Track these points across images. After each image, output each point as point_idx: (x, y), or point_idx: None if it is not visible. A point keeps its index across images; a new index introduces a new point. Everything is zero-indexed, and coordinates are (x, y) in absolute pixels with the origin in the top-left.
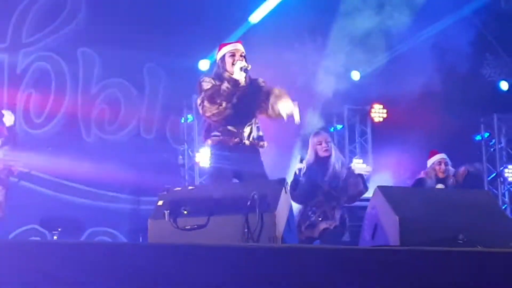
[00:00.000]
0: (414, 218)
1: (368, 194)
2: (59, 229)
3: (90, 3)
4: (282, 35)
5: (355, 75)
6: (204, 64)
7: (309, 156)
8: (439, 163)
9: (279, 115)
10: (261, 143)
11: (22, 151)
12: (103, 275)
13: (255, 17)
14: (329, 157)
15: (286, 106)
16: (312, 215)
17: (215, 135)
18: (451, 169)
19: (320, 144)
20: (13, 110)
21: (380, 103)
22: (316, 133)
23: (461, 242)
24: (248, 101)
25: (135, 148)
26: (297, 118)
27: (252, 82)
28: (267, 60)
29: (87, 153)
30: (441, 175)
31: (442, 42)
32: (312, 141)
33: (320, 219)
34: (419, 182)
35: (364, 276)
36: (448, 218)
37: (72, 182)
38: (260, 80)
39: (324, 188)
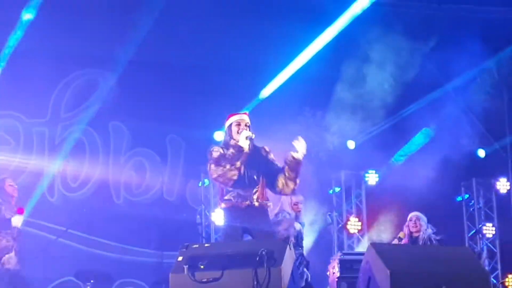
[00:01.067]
0: (404, 272)
1: (363, 249)
2: (92, 281)
3: (119, 82)
4: (287, 109)
5: (351, 144)
6: (219, 135)
7: (290, 211)
8: (410, 220)
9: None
10: (269, 203)
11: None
12: None
13: (265, 92)
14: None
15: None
16: (299, 265)
17: (228, 200)
18: (423, 225)
19: (297, 204)
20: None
21: (373, 169)
22: (297, 195)
23: None
24: (253, 166)
25: (159, 209)
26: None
27: (256, 149)
28: (273, 131)
29: (117, 213)
30: (413, 229)
31: (427, 117)
32: (291, 198)
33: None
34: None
35: None
36: (433, 271)
37: (103, 238)
38: (265, 148)
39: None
